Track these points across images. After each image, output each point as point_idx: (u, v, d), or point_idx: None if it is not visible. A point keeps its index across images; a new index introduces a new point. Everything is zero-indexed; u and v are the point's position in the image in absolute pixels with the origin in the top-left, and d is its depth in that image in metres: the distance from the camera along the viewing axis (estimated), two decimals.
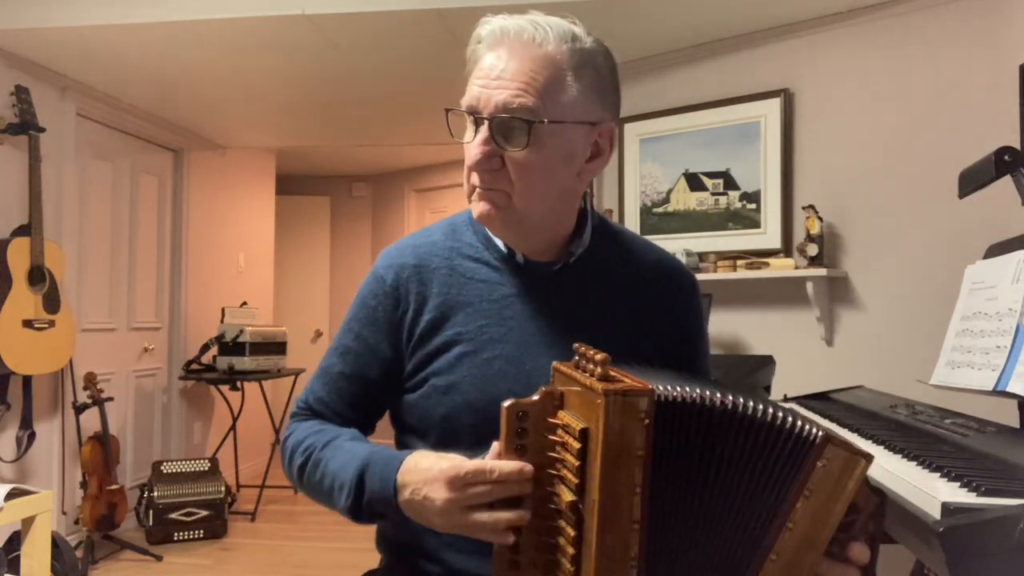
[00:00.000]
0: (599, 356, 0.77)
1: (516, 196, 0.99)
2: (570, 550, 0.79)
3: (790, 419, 0.78)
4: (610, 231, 1.15)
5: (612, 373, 0.78)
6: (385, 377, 1.09)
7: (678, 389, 0.78)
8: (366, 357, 1.09)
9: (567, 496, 0.79)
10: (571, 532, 0.78)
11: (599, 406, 0.73)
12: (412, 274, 1.08)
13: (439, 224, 1.15)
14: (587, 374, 0.79)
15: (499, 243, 1.08)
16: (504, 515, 0.83)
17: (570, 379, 0.82)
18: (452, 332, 1.05)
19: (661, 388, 0.77)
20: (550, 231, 1.07)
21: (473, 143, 0.98)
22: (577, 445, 0.76)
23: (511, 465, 0.83)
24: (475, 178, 1.00)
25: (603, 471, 0.74)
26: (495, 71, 0.97)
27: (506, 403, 0.83)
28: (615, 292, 1.09)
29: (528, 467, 0.83)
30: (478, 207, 1.01)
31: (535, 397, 0.84)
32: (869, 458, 0.75)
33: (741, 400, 0.79)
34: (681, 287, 1.14)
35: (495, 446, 0.86)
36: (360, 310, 1.11)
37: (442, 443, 1.03)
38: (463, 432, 1.01)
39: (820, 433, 0.76)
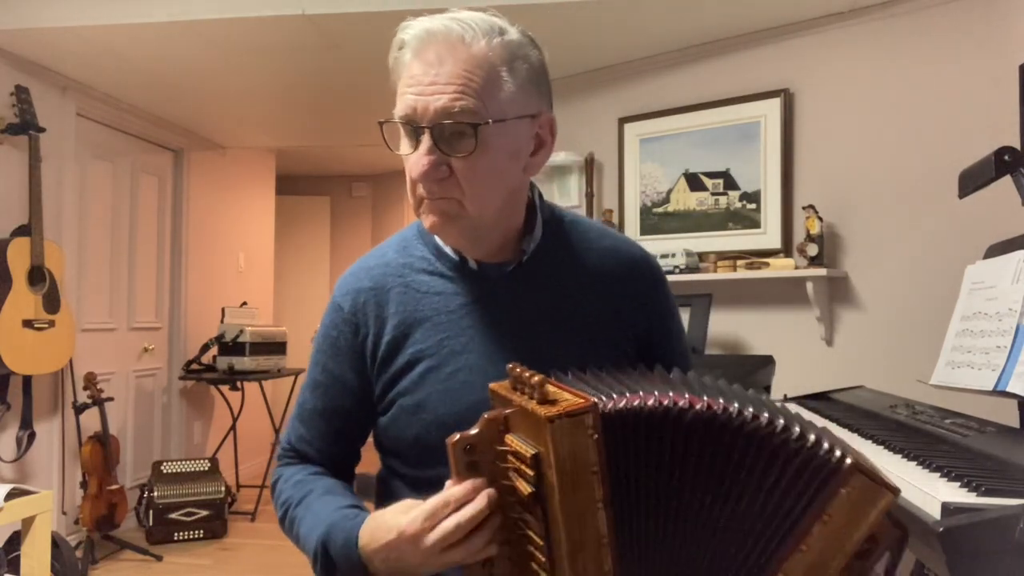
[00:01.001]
0: (535, 379, 0.75)
1: (468, 202, 0.95)
2: (543, 574, 0.78)
3: (811, 437, 0.74)
4: (562, 221, 1.11)
5: (551, 390, 0.76)
6: (358, 406, 1.08)
7: (621, 396, 0.76)
8: (336, 389, 1.08)
9: (532, 521, 0.78)
10: (541, 557, 0.77)
11: (545, 431, 0.72)
12: (369, 298, 1.06)
13: (391, 241, 1.13)
14: (526, 396, 0.77)
15: (450, 251, 1.06)
16: (476, 539, 0.82)
17: (509, 402, 0.80)
18: (413, 350, 1.03)
19: (604, 398, 0.76)
20: (502, 231, 1.04)
21: (416, 154, 0.94)
22: (531, 472, 0.75)
23: (462, 489, 0.81)
24: (422, 189, 0.96)
25: (562, 494, 0.72)
26: (428, 76, 0.92)
27: (450, 440, 0.81)
28: (574, 282, 1.06)
29: (479, 481, 0.81)
30: (429, 219, 0.97)
31: (476, 429, 0.81)
32: (896, 491, 0.72)
33: (722, 403, 0.76)
34: (640, 270, 1.10)
35: (448, 485, 0.84)
36: (324, 341, 1.10)
37: (420, 463, 1.02)
38: (437, 450, 0.97)
39: (849, 459, 0.73)
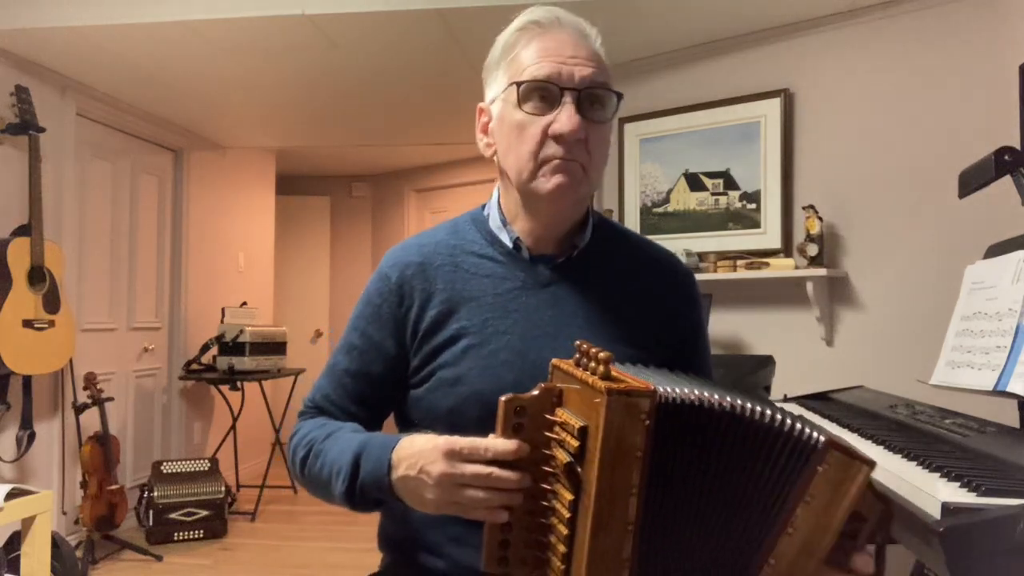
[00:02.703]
0: (602, 355, 0.76)
1: (591, 168, 1.02)
2: (561, 548, 0.78)
3: (791, 423, 0.77)
4: (610, 227, 1.18)
5: (614, 372, 0.77)
6: (390, 374, 1.10)
7: (679, 390, 0.78)
8: (371, 354, 1.10)
9: (563, 493, 0.78)
10: (563, 530, 0.78)
11: (600, 405, 0.72)
12: (416, 271, 1.10)
13: (443, 224, 1.18)
14: (589, 372, 0.78)
15: (504, 238, 1.10)
16: (498, 494, 0.83)
17: (570, 377, 0.81)
18: (457, 326, 1.06)
19: (663, 389, 0.77)
20: (579, 212, 1.10)
21: (564, 114, 0.99)
22: (575, 443, 0.76)
23: (508, 443, 0.82)
24: (554, 150, 1.00)
25: (600, 471, 0.73)
26: (567, 51, 1.01)
27: (504, 398, 0.83)
28: (617, 284, 1.11)
29: (524, 446, 0.82)
30: (556, 179, 1.01)
31: (534, 393, 0.83)
32: (871, 464, 0.74)
33: (740, 402, 0.78)
34: (680, 281, 1.16)
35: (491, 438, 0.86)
36: (366, 308, 1.13)
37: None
38: (469, 424, 1.01)
39: (822, 438, 0.75)
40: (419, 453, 0.89)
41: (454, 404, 1.03)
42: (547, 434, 0.82)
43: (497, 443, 0.83)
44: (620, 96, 1.04)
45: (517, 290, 1.08)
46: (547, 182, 1.01)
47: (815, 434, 0.76)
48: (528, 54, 1.02)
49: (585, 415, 0.76)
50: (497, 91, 1.07)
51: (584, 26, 1.05)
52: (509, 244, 1.10)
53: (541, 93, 1.01)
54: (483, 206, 1.16)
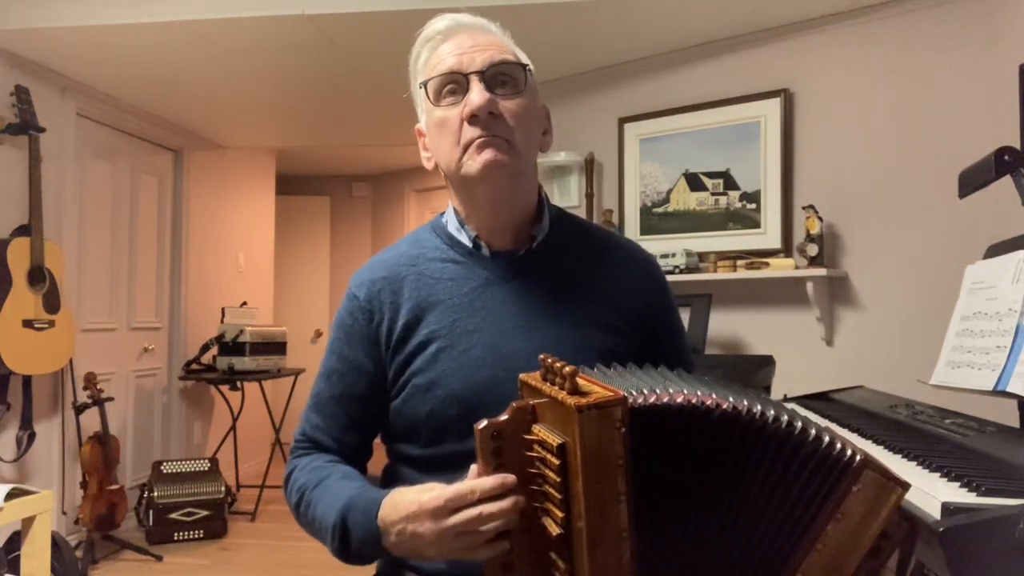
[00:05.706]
0: (567, 369, 0.76)
1: (516, 141, 1.02)
2: (562, 564, 0.78)
3: (826, 437, 0.75)
4: (568, 218, 1.18)
5: (581, 382, 0.77)
6: (372, 391, 1.10)
7: (658, 391, 0.77)
8: (351, 376, 1.11)
9: (553, 511, 0.78)
10: (561, 547, 0.77)
11: (574, 421, 0.72)
12: (384, 286, 1.10)
13: (404, 238, 1.19)
14: (556, 387, 0.77)
15: (463, 238, 1.11)
16: (491, 525, 0.82)
17: (539, 393, 0.81)
18: (427, 331, 1.06)
19: (635, 393, 0.76)
20: (526, 198, 1.10)
21: (472, 93, 1.01)
22: (556, 461, 0.75)
23: (491, 480, 0.81)
24: (472, 131, 1.01)
25: (586, 485, 0.73)
26: (467, 44, 1.03)
27: (478, 425, 0.81)
28: (581, 272, 1.11)
29: (510, 477, 0.81)
30: (483, 156, 1.01)
31: (505, 416, 0.82)
32: (906, 486, 0.73)
33: (746, 403, 0.77)
34: (645, 268, 1.16)
35: (473, 469, 0.84)
36: (339, 331, 1.13)
37: (432, 441, 1.04)
38: (450, 426, 1.01)
39: (858, 456, 0.74)
40: (405, 518, 0.88)
41: (432, 408, 1.03)
42: (528, 454, 0.81)
43: (483, 483, 0.81)
44: (527, 67, 1.05)
45: (481, 288, 1.08)
46: (475, 163, 1.02)
47: (849, 451, 0.74)
48: (434, 59, 1.06)
49: (562, 430, 0.76)
50: (420, 103, 1.10)
51: (484, 22, 1.08)
52: (468, 243, 1.10)
53: (450, 86, 1.03)
54: (441, 214, 1.17)
